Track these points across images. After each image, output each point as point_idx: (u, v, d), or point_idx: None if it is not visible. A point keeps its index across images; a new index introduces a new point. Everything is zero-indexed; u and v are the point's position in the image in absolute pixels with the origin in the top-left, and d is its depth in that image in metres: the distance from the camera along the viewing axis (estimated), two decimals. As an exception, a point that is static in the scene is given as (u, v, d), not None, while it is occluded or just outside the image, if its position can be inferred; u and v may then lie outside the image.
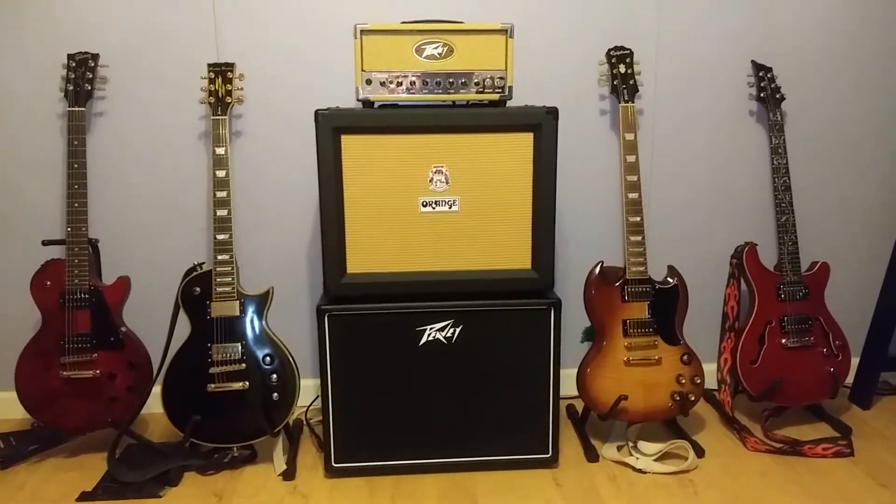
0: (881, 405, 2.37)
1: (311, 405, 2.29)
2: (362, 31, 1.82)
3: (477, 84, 1.86)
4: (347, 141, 1.81)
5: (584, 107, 2.29)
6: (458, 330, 1.90)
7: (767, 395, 2.14)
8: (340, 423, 1.93)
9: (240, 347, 1.96)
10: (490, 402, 1.94)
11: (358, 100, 1.86)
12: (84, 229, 2.01)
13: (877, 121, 2.40)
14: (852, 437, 2.11)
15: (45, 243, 2.07)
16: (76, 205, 2.00)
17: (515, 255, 1.91)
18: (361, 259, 1.88)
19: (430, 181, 1.86)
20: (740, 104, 2.34)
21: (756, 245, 2.19)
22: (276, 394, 1.97)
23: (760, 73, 2.26)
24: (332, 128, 1.79)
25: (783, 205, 2.20)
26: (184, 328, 1.98)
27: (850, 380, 2.33)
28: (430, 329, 1.90)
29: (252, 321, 1.99)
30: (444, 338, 1.91)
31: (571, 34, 2.25)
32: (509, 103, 1.91)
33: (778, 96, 2.25)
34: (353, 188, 1.84)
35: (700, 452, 2.04)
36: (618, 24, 2.25)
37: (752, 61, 2.28)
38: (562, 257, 2.36)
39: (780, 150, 2.21)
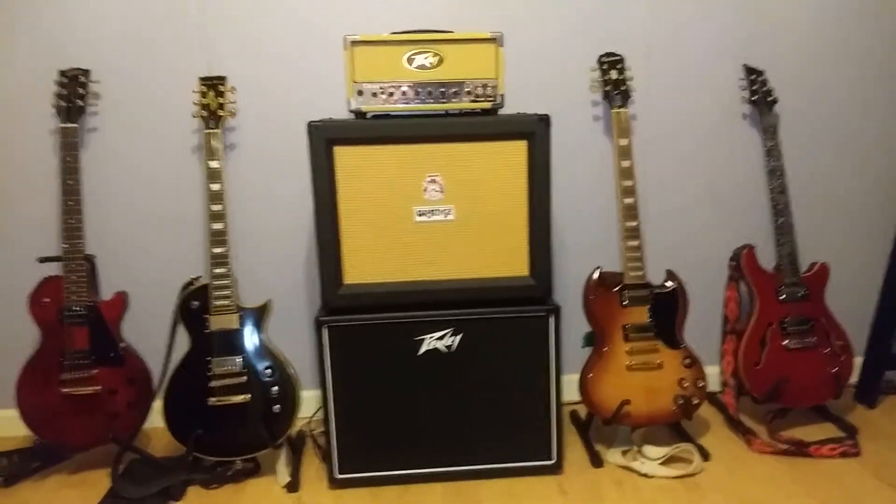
0: (887, 404, 2.36)
1: (313, 416, 2.28)
2: (352, 43, 1.82)
3: (469, 93, 1.86)
4: (340, 152, 1.81)
5: (576, 113, 2.29)
6: (457, 338, 1.90)
7: (771, 397, 2.13)
8: (343, 434, 1.92)
9: (240, 360, 1.96)
10: (492, 409, 1.94)
11: (350, 111, 1.86)
12: (80, 245, 2.01)
13: (871, 120, 2.39)
14: (858, 436, 2.10)
15: (42, 260, 2.08)
16: (71, 221, 2.00)
17: (512, 263, 1.90)
18: (358, 270, 1.88)
19: (425, 190, 1.85)
20: (733, 107, 2.33)
21: (754, 247, 2.19)
22: (277, 406, 1.97)
23: (752, 77, 2.25)
24: (325, 139, 1.79)
25: (780, 207, 2.18)
26: (183, 343, 1.98)
27: (854, 379, 2.32)
28: (430, 338, 1.90)
29: (251, 334, 1.98)
30: (444, 346, 1.90)
31: (562, 42, 2.25)
32: (502, 111, 1.91)
33: (770, 99, 2.24)
34: (348, 199, 1.84)
35: (705, 455, 2.03)
36: (608, 31, 2.25)
37: (744, 65, 2.27)
38: (559, 263, 2.36)
39: (774, 153, 2.20)
